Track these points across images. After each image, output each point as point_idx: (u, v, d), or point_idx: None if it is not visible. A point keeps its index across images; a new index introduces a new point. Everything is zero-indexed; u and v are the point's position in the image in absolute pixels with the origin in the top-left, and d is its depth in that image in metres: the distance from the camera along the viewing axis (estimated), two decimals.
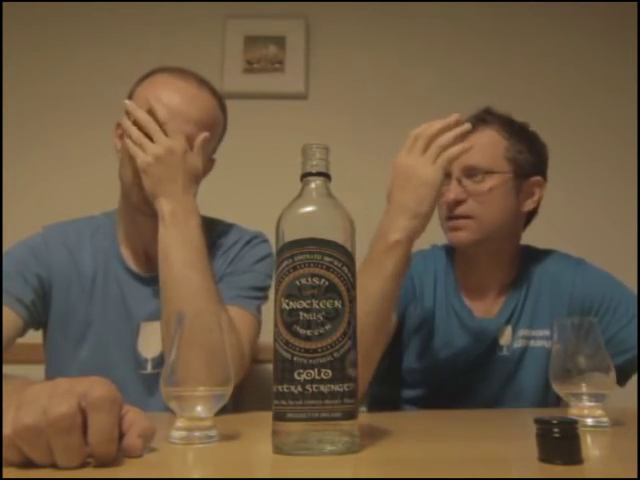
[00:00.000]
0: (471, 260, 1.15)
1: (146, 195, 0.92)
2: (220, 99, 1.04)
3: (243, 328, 0.93)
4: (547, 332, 1.09)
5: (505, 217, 1.09)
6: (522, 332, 1.11)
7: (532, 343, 1.10)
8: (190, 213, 0.91)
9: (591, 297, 1.09)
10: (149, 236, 0.95)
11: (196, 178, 0.94)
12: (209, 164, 1.07)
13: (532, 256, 1.17)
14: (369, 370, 0.90)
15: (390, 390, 1.16)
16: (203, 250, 0.90)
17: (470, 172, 1.08)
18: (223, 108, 1.05)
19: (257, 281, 1.03)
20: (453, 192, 1.07)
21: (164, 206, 0.89)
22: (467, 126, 0.89)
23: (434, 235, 1.21)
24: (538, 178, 1.13)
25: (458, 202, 1.07)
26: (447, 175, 1.09)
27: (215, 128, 1.01)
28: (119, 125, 1.00)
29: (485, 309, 1.14)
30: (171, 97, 0.94)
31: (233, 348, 0.76)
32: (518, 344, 1.10)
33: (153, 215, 0.92)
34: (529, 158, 1.11)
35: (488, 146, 1.09)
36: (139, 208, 0.97)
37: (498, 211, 1.08)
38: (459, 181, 1.08)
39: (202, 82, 1.00)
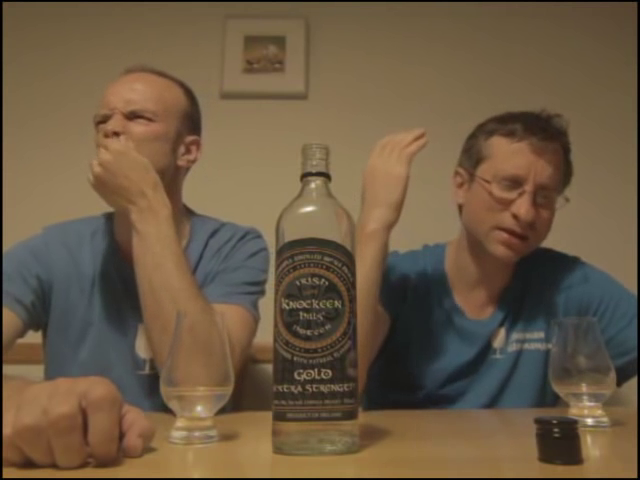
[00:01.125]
0: (469, 261, 1.12)
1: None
2: (177, 82, 1.07)
3: (235, 324, 0.91)
4: (542, 334, 1.09)
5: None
6: (516, 335, 1.09)
7: (526, 346, 1.09)
8: (153, 213, 0.89)
9: (589, 296, 1.08)
10: None
11: (146, 171, 0.91)
12: (193, 142, 1.06)
13: (528, 256, 1.13)
14: (363, 365, 0.88)
15: (385, 394, 1.14)
16: (174, 246, 0.89)
17: (544, 191, 1.03)
18: (187, 93, 1.07)
19: (250, 276, 1.02)
20: (531, 212, 1.01)
21: (130, 214, 0.90)
22: (426, 140, 0.97)
23: (430, 234, 1.22)
24: None
25: (531, 223, 1.02)
26: (517, 183, 1.02)
27: (166, 103, 1.01)
28: None
29: (478, 311, 1.12)
30: (115, 83, 1.02)
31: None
32: (512, 348, 1.09)
33: None
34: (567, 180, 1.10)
35: (560, 166, 1.06)
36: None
37: (545, 235, 1.08)
38: (534, 199, 1.02)
39: (147, 69, 1.04)
